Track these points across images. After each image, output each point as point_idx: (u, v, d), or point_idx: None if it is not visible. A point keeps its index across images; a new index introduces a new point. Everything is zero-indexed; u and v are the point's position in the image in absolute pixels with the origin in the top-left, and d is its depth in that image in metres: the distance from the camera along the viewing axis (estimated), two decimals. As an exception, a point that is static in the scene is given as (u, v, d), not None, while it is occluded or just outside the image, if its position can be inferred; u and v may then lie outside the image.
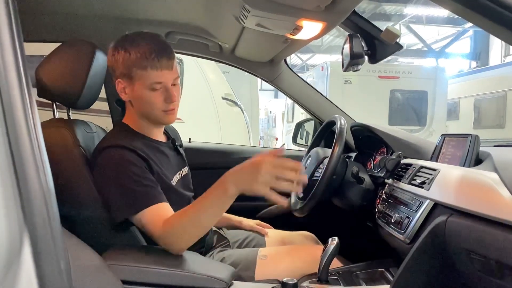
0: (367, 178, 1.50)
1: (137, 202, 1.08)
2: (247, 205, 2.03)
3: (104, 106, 1.88)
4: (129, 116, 1.27)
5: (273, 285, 1.09)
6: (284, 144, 8.60)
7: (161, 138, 1.33)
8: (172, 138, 1.38)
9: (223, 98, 4.28)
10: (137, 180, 1.10)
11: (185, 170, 1.40)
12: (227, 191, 1.02)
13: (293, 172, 0.99)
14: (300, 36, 1.37)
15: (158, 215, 1.08)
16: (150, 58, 1.13)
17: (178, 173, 1.33)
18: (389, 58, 1.57)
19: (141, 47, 1.14)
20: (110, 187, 1.11)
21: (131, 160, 1.12)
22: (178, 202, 1.24)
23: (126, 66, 1.15)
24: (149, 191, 1.10)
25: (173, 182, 1.26)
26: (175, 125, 1.47)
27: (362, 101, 6.65)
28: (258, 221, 1.66)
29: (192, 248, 1.14)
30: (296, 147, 2.40)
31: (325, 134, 1.78)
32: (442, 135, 1.29)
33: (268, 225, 1.67)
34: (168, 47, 1.19)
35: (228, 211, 1.64)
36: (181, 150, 1.41)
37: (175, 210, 1.23)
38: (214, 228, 1.51)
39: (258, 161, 0.98)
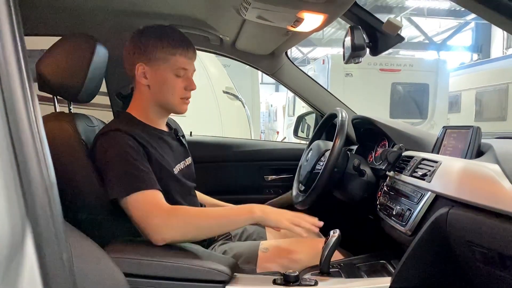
0: (368, 171, 1.50)
1: (131, 184, 1.09)
2: (250, 198, 2.04)
3: (105, 100, 1.88)
4: (137, 105, 1.29)
5: (275, 277, 1.10)
6: (285, 138, 8.61)
7: (164, 128, 1.35)
8: (174, 129, 1.39)
9: (224, 92, 4.27)
10: (133, 163, 1.11)
11: (189, 160, 1.41)
12: (252, 211, 1.13)
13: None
14: (301, 28, 1.36)
15: (150, 202, 1.09)
16: (181, 46, 1.23)
17: (181, 163, 1.34)
18: (390, 51, 1.57)
19: (172, 36, 1.24)
20: (106, 168, 1.13)
21: (128, 144, 1.14)
22: (179, 191, 1.26)
23: (154, 50, 1.22)
24: (144, 176, 1.11)
25: (175, 171, 1.27)
26: (176, 118, 1.47)
27: (364, 94, 6.63)
28: None
29: (194, 241, 1.15)
30: (297, 140, 2.40)
31: (326, 127, 1.78)
32: (443, 127, 1.28)
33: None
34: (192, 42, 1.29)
35: (230, 204, 1.64)
36: (183, 140, 1.42)
37: (177, 198, 1.24)
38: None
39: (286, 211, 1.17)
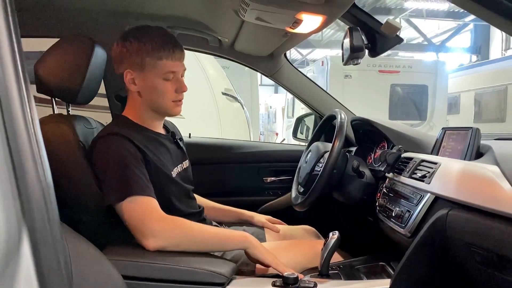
0: (367, 172, 1.50)
1: (127, 189, 1.08)
2: (249, 200, 2.04)
3: (103, 102, 1.87)
4: (131, 109, 1.28)
5: (274, 279, 1.09)
6: (284, 139, 8.60)
7: (161, 131, 1.34)
8: (172, 132, 1.39)
9: (223, 94, 4.26)
10: (130, 168, 1.11)
11: (186, 163, 1.40)
12: (247, 236, 1.16)
13: None
14: (300, 29, 1.36)
15: (147, 207, 1.09)
16: (166, 49, 1.18)
17: (179, 166, 1.33)
18: (389, 52, 1.57)
19: (156, 38, 1.19)
20: (103, 173, 1.12)
21: (127, 148, 1.13)
22: (177, 194, 1.25)
23: (139, 56, 1.18)
24: (140, 182, 1.11)
25: (173, 174, 1.27)
26: (175, 120, 1.47)
27: (363, 96, 6.63)
28: (269, 217, 1.58)
29: None
30: (297, 142, 2.40)
31: (325, 128, 1.78)
32: (442, 128, 1.28)
33: (279, 220, 1.61)
34: (177, 40, 1.24)
35: (230, 206, 1.64)
36: (181, 143, 1.42)
37: (175, 201, 1.24)
38: (214, 223, 1.51)
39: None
